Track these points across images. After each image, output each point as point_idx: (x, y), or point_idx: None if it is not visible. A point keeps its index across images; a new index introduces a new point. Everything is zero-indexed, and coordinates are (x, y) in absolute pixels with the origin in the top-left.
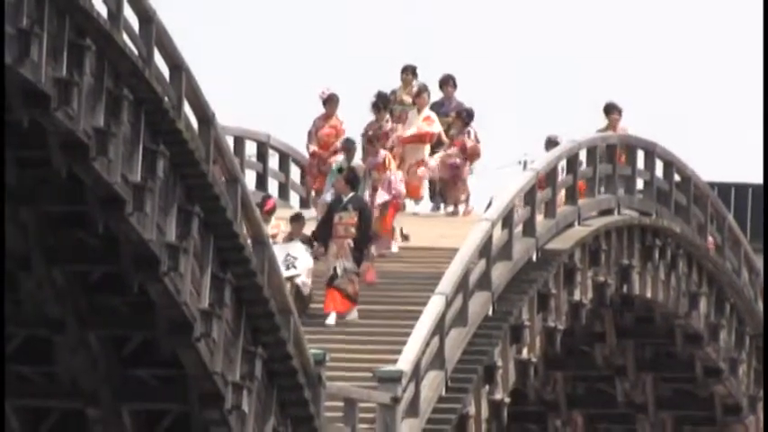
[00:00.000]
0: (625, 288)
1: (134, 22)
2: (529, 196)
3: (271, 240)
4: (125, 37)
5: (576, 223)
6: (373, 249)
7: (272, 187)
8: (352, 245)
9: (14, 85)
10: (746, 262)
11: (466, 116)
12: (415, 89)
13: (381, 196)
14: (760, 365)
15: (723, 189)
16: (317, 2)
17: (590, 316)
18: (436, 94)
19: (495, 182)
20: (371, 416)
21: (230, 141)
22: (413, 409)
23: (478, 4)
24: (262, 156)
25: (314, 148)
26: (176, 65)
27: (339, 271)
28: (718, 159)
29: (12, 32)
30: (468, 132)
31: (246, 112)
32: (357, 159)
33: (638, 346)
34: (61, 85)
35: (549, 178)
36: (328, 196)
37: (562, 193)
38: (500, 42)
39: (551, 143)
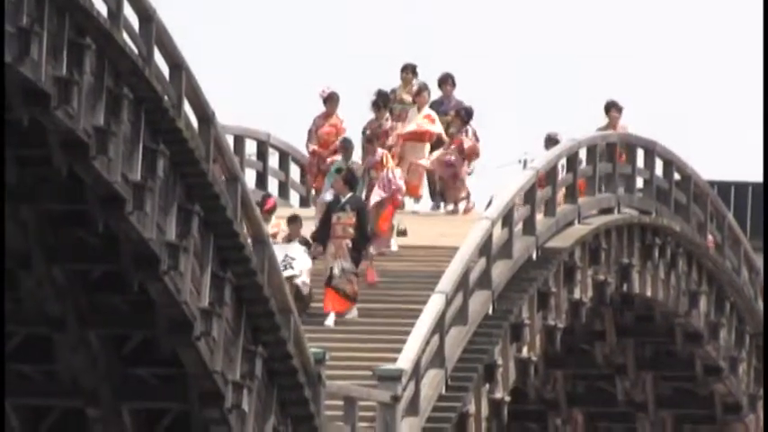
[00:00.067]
0: (625, 287)
1: (134, 20)
2: (529, 195)
3: (271, 239)
4: (125, 36)
5: (576, 222)
6: (372, 249)
7: (272, 186)
8: (350, 245)
9: (14, 84)
10: (746, 261)
11: (465, 115)
12: (415, 88)
13: (377, 194)
14: (760, 364)
15: (723, 188)
16: (317, 1)
17: (590, 314)
18: (435, 93)
19: (496, 180)
20: (371, 414)
21: (230, 140)
22: (413, 408)
23: (478, 2)
24: (262, 154)
25: (314, 146)
26: (176, 64)
27: (337, 271)
28: (718, 158)
29: (12, 31)
30: (466, 131)
31: (246, 111)
32: (356, 158)
33: (638, 344)
34: (61, 83)
35: (549, 177)
36: (327, 196)
37: (562, 192)
38: (500, 41)
39: (551, 140)
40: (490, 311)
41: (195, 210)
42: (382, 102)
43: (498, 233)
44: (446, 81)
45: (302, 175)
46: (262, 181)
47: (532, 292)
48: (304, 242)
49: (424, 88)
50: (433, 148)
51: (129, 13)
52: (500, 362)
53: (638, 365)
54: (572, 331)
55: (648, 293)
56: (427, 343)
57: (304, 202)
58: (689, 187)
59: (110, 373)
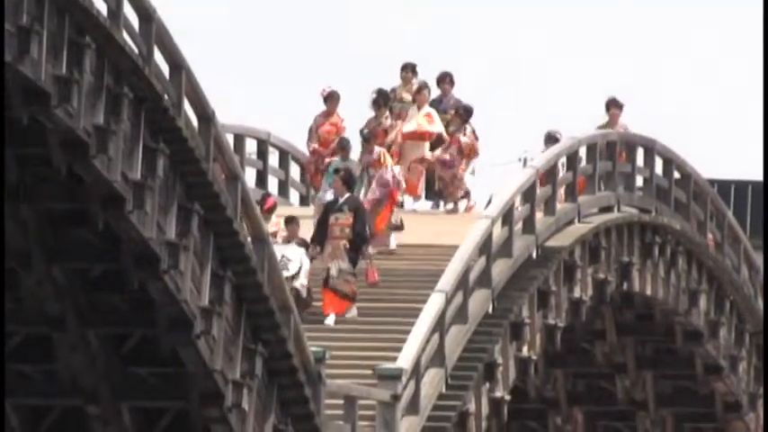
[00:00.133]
0: (625, 285)
1: (134, 20)
2: (529, 193)
3: (271, 238)
4: (125, 35)
5: (576, 220)
6: (370, 248)
7: (272, 185)
8: (347, 246)
9: (14, 83)
10: (746, 259)
11: (464, 113)
12: (415, 87)
13: (373, 192)
14: (760, 363)
15: (723, 186)
16: (317, 1)
17: (590, 313)
18: (434, 92)
19: (495, 179)
20: (371, 413)
21: (230, 139)
22: (413, 407)
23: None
24: (262, 153)
25: (314, 145)
26: (176, 63)
27: (334, 272)
28: (718, 156)
29: (12, 30)
30: (465, 129)
31: (246, 110)
32: (355, 157)
33: (638, 343)
34: (61, 82)
35: (548, 175)
36: (327, 195)
37: (562, 191)
38: (500, 39)
39: (551, 138)
40: (490, 310)
41: (195, 209)
42: (382, 100)
43: (498, 232)
44: (444, 79)
45: (302, 174)
46: (262, 180)
47: (532, 291)
48: (302, 243)
49: (423, 87)
50: (433, 147)
51: (129, 12)
52: (500, 361)
53: (639, 364)
54: (572, 330)
55: (648, 292)
56: (427, 342)
57: (304, 201)
58: (689, 186)
59: (110, 372)
